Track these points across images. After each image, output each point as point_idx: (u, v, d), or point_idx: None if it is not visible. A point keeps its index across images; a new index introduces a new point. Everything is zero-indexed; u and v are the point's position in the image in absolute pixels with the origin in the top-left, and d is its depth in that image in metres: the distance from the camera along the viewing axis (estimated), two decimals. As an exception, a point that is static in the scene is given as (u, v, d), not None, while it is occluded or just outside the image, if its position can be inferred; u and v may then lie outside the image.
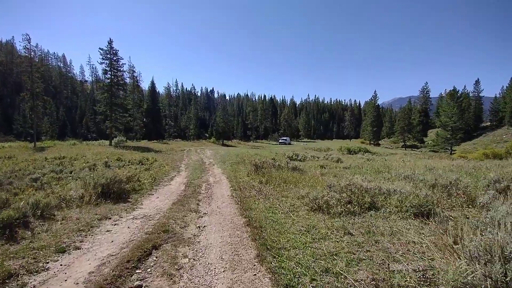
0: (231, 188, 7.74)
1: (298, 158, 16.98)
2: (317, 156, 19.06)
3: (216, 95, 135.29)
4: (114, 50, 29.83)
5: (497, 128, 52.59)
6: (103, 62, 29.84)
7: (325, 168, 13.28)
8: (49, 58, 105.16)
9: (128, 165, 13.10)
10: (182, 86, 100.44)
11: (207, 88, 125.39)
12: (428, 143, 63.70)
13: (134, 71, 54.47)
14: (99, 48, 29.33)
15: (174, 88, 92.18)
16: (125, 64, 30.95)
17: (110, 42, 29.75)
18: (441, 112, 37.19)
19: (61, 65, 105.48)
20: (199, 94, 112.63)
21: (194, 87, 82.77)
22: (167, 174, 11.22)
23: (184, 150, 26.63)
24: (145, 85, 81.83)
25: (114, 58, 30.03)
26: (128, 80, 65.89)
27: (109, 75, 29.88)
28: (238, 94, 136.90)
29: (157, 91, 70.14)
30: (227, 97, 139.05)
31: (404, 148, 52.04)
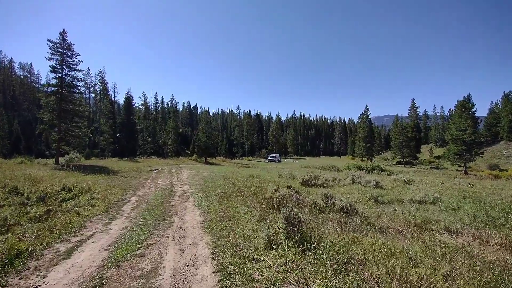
0: None
1: (319, 182, 11.34)
2: (338, 178, 13.53)
3: (199, 111, 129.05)
4: (67, 43, 23.55)
5: (493, 143, 50.87)
6: (53, 58, 23.34)
7: (381, 201, 7.72)
8: (14, 67, 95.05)
9: (15, 205, 6.71)
10: (163, 100, 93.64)
11: (189, 103, 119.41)
12: (424, 159, 61.25)
13: (104, 77, 47.71)
14: (48, 40, 22.97)
15: (154, 102, 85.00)
16: (82, 61, 24.53)
17: (63, 33, 23.53)
18: (451, 125, 33.86)
19: (27, 75, 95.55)
20: (180, 108, 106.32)
21: (174, 98, 75.72)
22: (76, 231, 5.02)
23: (154, 170, 20.16)
24: (121, 99, 74.02)
25: (68, 53, 23.68)
26: (98, 89, 58.65)
27: (59, 74, 23.29)
28: (222, 110, 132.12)
29: (134, 105, 62.79)
30: (211, 113, 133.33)
31: (403, 165, 48.36)
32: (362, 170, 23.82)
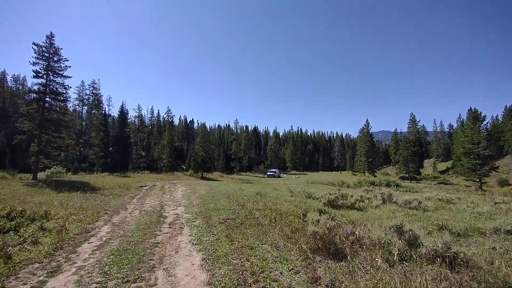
0: None
1: (347, 202, 9.07)
2: (366, 197, 11.26)
3: (195, 125, 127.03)
4: (54, 47, 21.62)
5: (498, 157, 49.42)
6: (37, 63, 21.24)
7: (455, 233, 5.47)
8: (6, 79, 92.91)
9: None
10: (158, 114, 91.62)
11: (186, 117, 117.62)
12: (428, 174, 59.38)
13: (97, 88, 45.81)
14: (33, 44, 20.99)
15: (149, 116, 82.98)
16: (69, 67, 22.52)
17: (50, 37, 21.68)
18: (461, 138, 32.31)
19: (20, 87, 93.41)
20: (177, 122, 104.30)
21: (170, 111, 73.53)
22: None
23: (144, 187, 17.62)
24: (116, 112, 71.71)
25: (55, 57, 21.67)
26: (90, 100, 56.60)
27: (42, 80, 21.16)
28: (219, 125, 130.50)
29: (130, 118, 60.49)
30: (208, 128, 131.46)
31: (409, 180, 46.31)
32: (376, 185, 21.61)
